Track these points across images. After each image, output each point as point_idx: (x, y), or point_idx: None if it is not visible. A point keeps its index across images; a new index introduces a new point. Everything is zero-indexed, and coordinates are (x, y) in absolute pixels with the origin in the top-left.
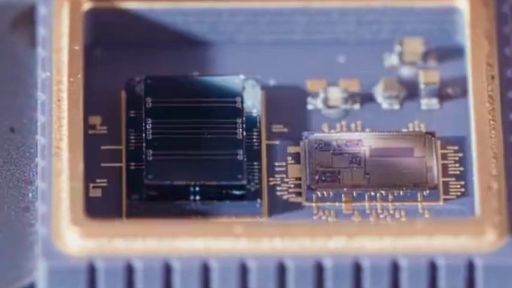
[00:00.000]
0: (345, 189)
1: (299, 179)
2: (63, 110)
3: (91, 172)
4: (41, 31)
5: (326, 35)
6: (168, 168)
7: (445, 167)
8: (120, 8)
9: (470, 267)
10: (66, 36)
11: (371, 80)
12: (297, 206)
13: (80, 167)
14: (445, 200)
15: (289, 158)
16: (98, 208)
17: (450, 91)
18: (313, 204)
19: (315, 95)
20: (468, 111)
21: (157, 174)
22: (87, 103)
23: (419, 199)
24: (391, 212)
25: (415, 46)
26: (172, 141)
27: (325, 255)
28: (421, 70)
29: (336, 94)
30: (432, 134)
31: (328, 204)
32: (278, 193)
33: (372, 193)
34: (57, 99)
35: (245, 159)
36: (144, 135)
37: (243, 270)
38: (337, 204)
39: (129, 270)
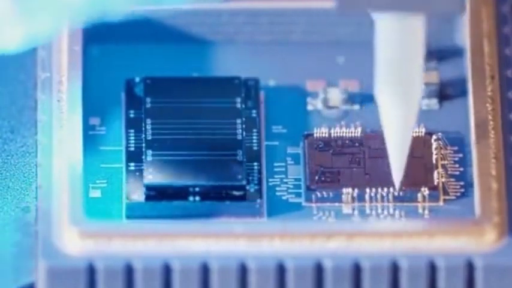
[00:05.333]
0: (344, 189)
1: (299, 179)
2: (63, 110)
3: (91, 172)
4: None
5: (326, 36)
6: (168, 168)
7: (444, 168)
8: None
9: (470, 267)
10: (65, 36)
11: (371, 81)
12: (297, 207)
13: (80, 167)
14: (444, 200)
15: (289, 159)
16: (97, 208)
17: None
18: (313, 205)
19: (314, 96)
20: (468, 111)
21: (157, 174)
22: (86, 103)
23: (419, 199)
24: (391, 212)
25: None
26: (172, 142)
27: (325, 255)
28: None
29: (335, 95)
30: (432, 134)
31: (328, 204)
32: (278, 193)
33: (372, 193)
34: (57, 100)
35: (245, 160)
36: (143, 135)
37: (243, 270)
38: (337, 204)
39: (129, 271)
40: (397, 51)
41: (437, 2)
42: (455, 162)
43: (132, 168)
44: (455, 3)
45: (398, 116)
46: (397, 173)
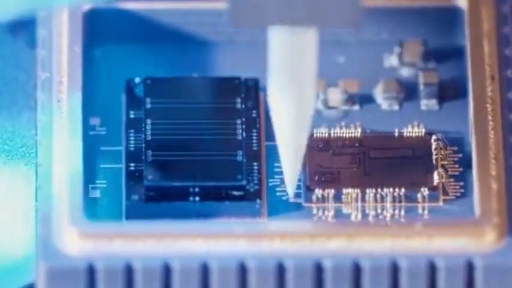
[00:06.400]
0: (344, 189)
1: (299, 179)
2: (63, 111)
3: (90, 173)
4: (41, 32)
5: (326, 36)
6: (168, 169)
7: (444, 168)
8: (120, 8)
9: (470, 268)
10: (65, 36)
11: (371, 81)
12: (297, 207)
13: (80, 167)
14: (444, 200)
15: None
16: (97, 209)
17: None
18: (313, 205)
19: None
20: (468, 111)
21: (157, 175)
22: (86, 104)
23: (419, 200)
24: (391, 212)
25: (414, 47)
26: (172, 142)
27: (325, 255)
28: (420, 71)
29: (335, 95)
30: (432, 135)
31: (328, 204)
32: (278, 194)
33: (372, 193)
34: (57, 100)
35: (245, 160)
36: (143, 136)
37: (243, 270)
38: (337, 204)
39: (129, 271)
40: (289, 57)
41: (329, 17)
42: (455, 162)
43: (132, 168)
44: (348, 20)
45: (291, 118)
46: (291, 178)
